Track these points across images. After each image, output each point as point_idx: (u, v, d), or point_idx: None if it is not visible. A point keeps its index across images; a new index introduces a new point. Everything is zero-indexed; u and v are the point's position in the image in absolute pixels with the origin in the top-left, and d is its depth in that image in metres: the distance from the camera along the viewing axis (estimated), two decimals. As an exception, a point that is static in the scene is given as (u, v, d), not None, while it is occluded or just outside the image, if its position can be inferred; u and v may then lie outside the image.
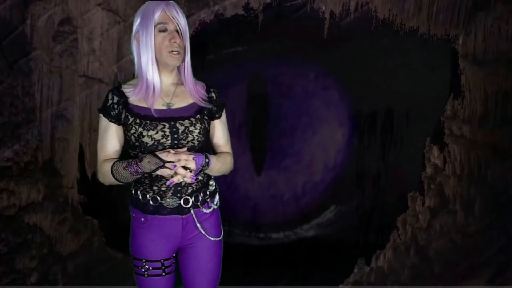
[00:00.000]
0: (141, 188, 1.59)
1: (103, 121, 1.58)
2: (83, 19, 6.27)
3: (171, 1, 1.54)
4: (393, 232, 7.18)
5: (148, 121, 1.52)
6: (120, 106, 1.55)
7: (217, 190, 1.69)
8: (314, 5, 6.88)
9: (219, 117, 1.67)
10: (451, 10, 6.12)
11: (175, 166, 1.46)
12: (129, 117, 1.54)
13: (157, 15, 1.51)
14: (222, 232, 1.70)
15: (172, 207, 1.58)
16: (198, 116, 1.58)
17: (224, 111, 1.69)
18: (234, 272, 8.30)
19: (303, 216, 11.81)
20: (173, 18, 1.52)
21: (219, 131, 1.69)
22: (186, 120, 1.55)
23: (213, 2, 6.74)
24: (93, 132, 6.57)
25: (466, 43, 5.98)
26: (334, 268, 8.43)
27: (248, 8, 6.94)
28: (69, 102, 6.44)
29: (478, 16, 5.79)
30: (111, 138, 1.58)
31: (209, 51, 10.19)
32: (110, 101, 1.56)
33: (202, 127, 1.58)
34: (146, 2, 1.55)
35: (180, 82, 1.62)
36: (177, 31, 1.54)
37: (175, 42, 1.52)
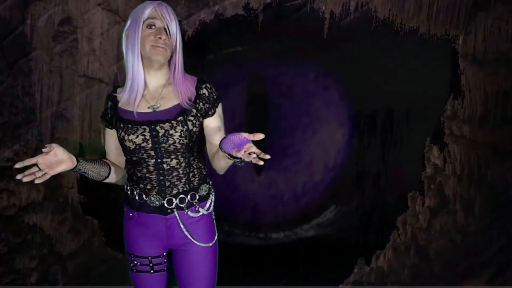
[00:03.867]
0: (131, 184, 1.62)
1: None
2: (83, 19, 6.27)
3: (164, 3, 1.55)
4: (393, 232, 7.18)
5: (130, 125, 1.52)
6: (112, 111, 1.59)
7: (211, 195, 1.65)
8: (314, 5, 6.88)
9: (212, 114, 1.59)
10: (451, 10, 6.12)
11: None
12: (116, 121, 1.57)
13: (147, 11, 1.51)
14: (216, 238, 1.66)
15: (155, 205, 1.57)
16: (180, 118, 1.52)
17: (220, 105, 1.61)
18: (234, 272, 8.29)
19: (303, 216, 11.80)
20: (162, 16, 1.52)
21: (213, 128, 1.60)
22: (167, 123, 1.52)
23: (213, 2, 6.74)
24: (93, 132, 6.57)
25: (466, 43, 5.98)
26: (334, 268, 8.43)
27: (248, 8, 6.94)
28: (69, 102, 6.44)
29: (478, 16, 5.79)
30: (107, 141, 1.65)
31: (209, 51, 10.19)
32: (106, 106, 1.62)
33: (184, 129, 1.52)
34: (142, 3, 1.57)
35: (169, 83, 1.59)
36: (164, 29, 1.52)
37: (160, 38, 1.50)
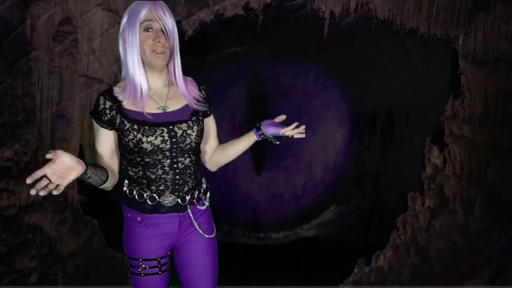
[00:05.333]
0: (137, 188, 1.58)
1: (95, 124, 1.57)
2: (83, 19, 6.27)
3: (160, 2, 1.51)
4: (393, 232, 7.19)
5: (147, 127, 1.50)
6: (114, 111, 1.51)
7: (209, 188, 1.71)
8: (314, 5, 6.89)
9: (210, 114, 1.68)
10: (451, 10, 6.13)
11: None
12: (126, 122, 1.50)
13: (143, 13, 1.48)
14: (215, 230, 1.72)
15: (170, 205, 1.58)
16: (194, 118, 1.58)
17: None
18: (234, 272, 8.30)
19: (303, 216, 11.81)
20: (159, 17, 1.49)
21: (211, 128, 1.71)
22: (184, 124, 1.54)
23: (213, 2, 6.74)
24: (93, 132, 6.56)
25: (466, 43, 5.98)
26: (334, 268, 8.44)
27: (248, 8, 6.95)
28: (69, 102, 6.44)
29: (478, 16, 5.80)
30: (102, 143, 1.57)
31: (209, 51, 10.19)
32: (102, 106, 1.52)
33: (199, 129, 1.58)
34: (135, 2, 1.52)
35: (172, 82, 1.60)
36: (162, 31, 1.50)
37: (159, 41, 1.48)
